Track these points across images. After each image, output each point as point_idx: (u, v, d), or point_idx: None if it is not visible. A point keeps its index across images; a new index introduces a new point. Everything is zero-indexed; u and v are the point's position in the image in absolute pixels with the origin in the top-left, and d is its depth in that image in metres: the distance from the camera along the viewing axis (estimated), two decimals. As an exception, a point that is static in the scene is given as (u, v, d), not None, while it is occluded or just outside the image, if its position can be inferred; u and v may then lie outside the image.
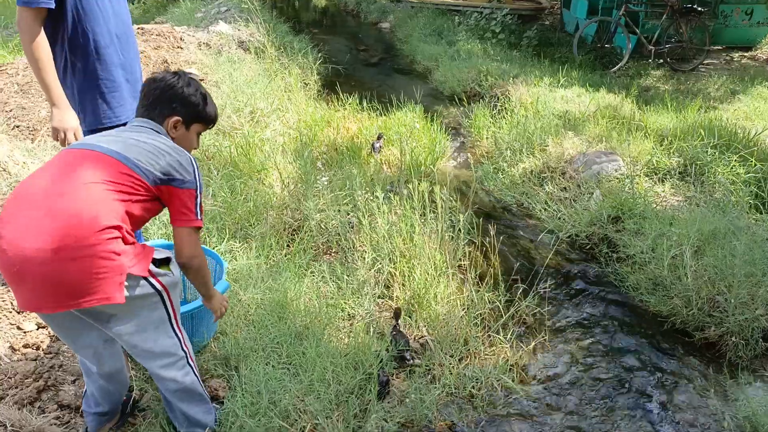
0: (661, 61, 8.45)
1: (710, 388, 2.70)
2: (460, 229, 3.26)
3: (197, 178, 1.88)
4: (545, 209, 4.22)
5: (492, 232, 3.36)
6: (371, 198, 3.21)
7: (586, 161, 4.51)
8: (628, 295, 3.32)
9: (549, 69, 7.43)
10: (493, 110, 6.05)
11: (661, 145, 4.77)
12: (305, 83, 6.94)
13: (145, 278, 1.77)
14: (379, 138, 5.11)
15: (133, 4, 13.09)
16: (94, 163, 1.72)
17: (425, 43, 9.24)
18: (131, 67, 2.62)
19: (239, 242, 3.37)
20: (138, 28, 7.26)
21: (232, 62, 6.74)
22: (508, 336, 2.92)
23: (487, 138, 5.54)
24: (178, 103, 1.95)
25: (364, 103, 5.98)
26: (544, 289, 3.24)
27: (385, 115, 5.80)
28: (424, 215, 3.33)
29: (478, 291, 3.13)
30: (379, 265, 3.13)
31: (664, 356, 2.90)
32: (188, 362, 2.01)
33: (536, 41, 9.12)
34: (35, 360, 2.49)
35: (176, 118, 1.96)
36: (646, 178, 4.29)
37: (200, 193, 1.89)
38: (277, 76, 6.59)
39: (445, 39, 9.35)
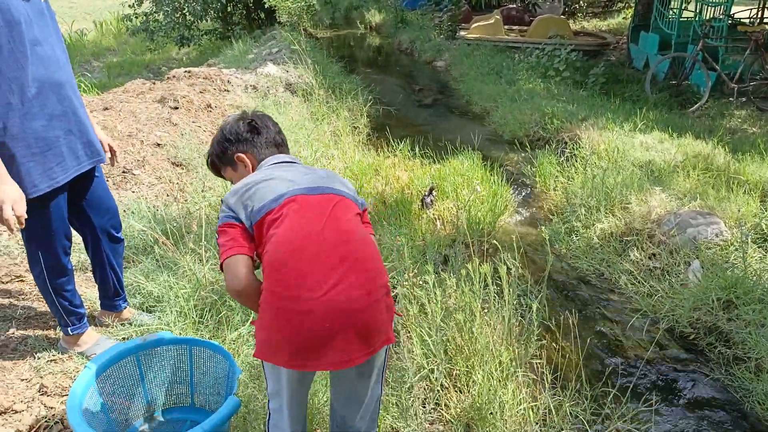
0: (745, 99, 7.62)
1: None
2: (532, 318, 2.62)
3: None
4: (633, 284, 3.52)
5: (572, 319, 2.70)
6: (418, 283, 2.62)
7: (678, 223, 3.80)
8: (753, 413, 2.57)
9: (621, 110, 6.74)
10: (560, 157, 5.41)
11: (764, 204, 4.02)
12: (354, 127, 6.51)
13: None
14: (430, 192, 4.57)
15: (189, 46, 13.25)
16: (343, 205, 1.73)
17: (482, 83, 8.71)
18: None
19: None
20: (185, 71, 7.07)
21: (278, 106, 6.40)
22: (599, 467, 2.25)
23: (555, 190, 4.90)
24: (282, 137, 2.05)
25: (417, 149, 5.47)
26: (644, 402, 2.53)
27: (439, 162, 5.26)
28: (487, 298, 2.72)
29: (556, 397, 2.47)
30: (432, 366, 2.52)
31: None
32: None
33: (603, 79, 8.43)
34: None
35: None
36: (756, 247, 3.54)
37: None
38: (324, 120, 6.19)
39: (504, 78, 8.79)
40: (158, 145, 4.88)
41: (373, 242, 1.75)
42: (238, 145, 1.92)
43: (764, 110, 7.32)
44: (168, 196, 4.27)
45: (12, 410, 2.30)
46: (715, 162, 4.72)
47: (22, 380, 2.46)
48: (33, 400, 2.37)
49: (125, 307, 2.82)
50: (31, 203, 2.13)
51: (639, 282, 3.50)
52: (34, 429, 2.23)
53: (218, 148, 1.96)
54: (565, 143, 5.76)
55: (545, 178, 5.11)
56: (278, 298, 1.55)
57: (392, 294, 2.81)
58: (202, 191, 4.30)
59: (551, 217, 4.55)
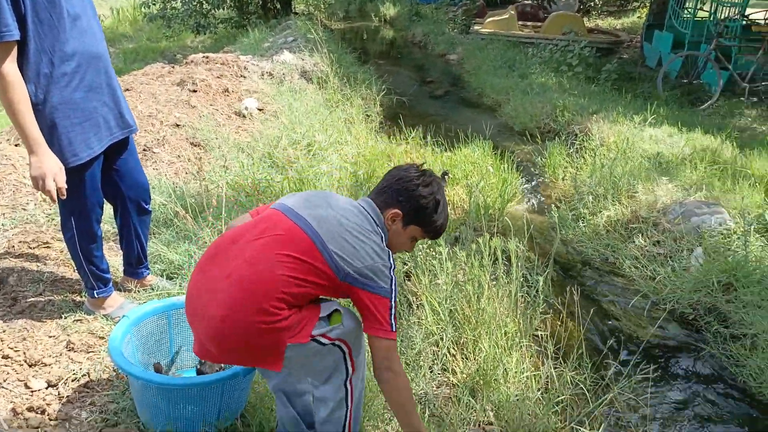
0: (756, 99, 7.66)
1: None
2: (537, 291, 2.73)
3: (393, 286, 1.72)
4: (636, 267, 3.62)
5: (575, 296, 2.81)
6: (433, 253, 2.74)
7: (683, 212, 3.89)
8: (746, 386, 2.68)
9: (632, 105, 6.81)
10: (570, 148, 5.50)
11: (769, 196, 4.10)
12: (367, 115, 6.62)
13: None
14: (443, 176, 4.66)
15: (205, 34, 13.39)
16: (288, 237, 1.66)
17: (495, 76, 8.78)
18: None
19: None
20: (203, 56, 7.20)
21: (293, 92, 6.52)
22: (599, 431, 2.35)
23: (563, 179, 4.99)
24: (404, 198, 1.82)
25: (428, 137, 5.57)
26: (643, 372, 2.63)
27: (450, 150, 5.35)
28: (495, 274, 2.83)
29: (558, 368, 2.58)
30: (440, 333, 2.64)
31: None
32: None
33: (616, 75, 8.49)
34: (37, 428, 2.15)
35: (395, 210, 1.82)
36: (758, 236, 3.63)
37: (395, 302, 1.72)
38: (338, 108, 6.30)
39: (517, 72, 8.86)
40: (177, 125, 5.01)
41: (261, 264, 1.63)
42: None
43: (774, 110, 7.37)
44: (187, 173, 4.40)
45: (42, 363, 2.44)
46: (722, 156, 4.80)
47: (50, 337, 2.60)
48: (61, 355, 2.51)
49: (147, 275, 2.95)
50: (69, 173, 2.25)
51: (642, 266, 3.60)
52: (63, 380, 2.36)
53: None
54: (575, 135, 5.85)
55: (554, 168, 5.20)
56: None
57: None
58: (223, 168, 4.43)
59: (559, 204, 4.65)
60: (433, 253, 2.76)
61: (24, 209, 3.38)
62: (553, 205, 4.69)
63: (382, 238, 1.78)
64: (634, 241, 3.86)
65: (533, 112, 6.79)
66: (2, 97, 2.03)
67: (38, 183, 2.13)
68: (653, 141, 5.19)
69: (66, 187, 2.22)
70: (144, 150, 4.48)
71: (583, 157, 5.10)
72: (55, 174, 2.14)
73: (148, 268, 2.95)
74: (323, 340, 1.68)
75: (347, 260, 1.65)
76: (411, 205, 1.82)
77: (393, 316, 1.71)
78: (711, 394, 2.66)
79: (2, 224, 3.20)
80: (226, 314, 1.60)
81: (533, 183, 5.24)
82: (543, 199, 4.92)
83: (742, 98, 7.67)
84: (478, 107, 7.99)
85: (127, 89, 5.45)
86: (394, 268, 1.74)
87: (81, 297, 2.85)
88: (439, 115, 7.47)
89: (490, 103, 8.01)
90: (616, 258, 3.81)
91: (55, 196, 2.18)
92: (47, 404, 2.25)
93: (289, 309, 1.61)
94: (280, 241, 1.65)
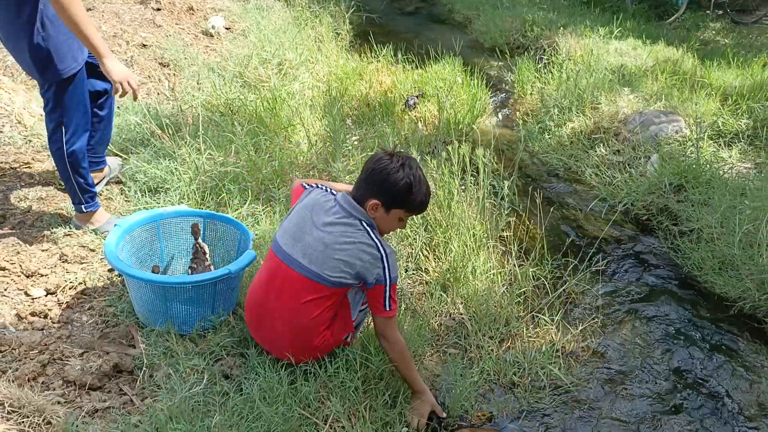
0: (721, 12, 7.75)
1: (784, 383, 2.38)
2: (503, 197, 2.93)
3: (387, 273, 1.96)
4: (596, 174, 3.84)
5: (538, 201, 3.03)
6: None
7: (643, 121, 4.09)
8: (690, 275, 2.98)
9: (600, 19, 6.86)
10: (538, 64, 5.59)
11: (726, 105, 4.30)
12: (337, 33, 6.55)
13: None
14: (418, 95, 4.75)
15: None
16: (295, 286, 1.99)
17: (465, -9, 8.66)
18: None
19: (262, 205, 3.12)
20: (165, -27, 6.92)
21: (261, 10, 6.38)
22: (555, 317, 2.63)
23: (532, 94, 5.12)
24: (378, 188, 1.96)
25: (399, 55, 5.59)
26: (595, 264, 2.90)
27: (421, 68, 5.40)
28: (464, 181, 3.01)
29: (522, 266, 2.83)
30: (414, 236, 2.85)
31: (730, 345, 2.58)
32: None
33: (586, -12, 8.45)
34: (42, 330, 2.31)
35: (374, 201, 1.96)
36: (711, 142, 3.86)
37: (390, 286, 1.98)
38: (307, 26, 6.21)
39: (487, -14, 8.74)
40: (144, 45, 4.93)
41: (297, 318, 2.02)
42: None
43: (738, 22, 7.48)
44: (159, 94, 4.40)
45: (38, 273, 2.58)
46: (683, 67, 4.96)
47: (43, 251, 2.72)
48: (56, 266, 2.65)
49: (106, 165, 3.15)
50: (67, 81, 2.43)
51: (602, 174, 3.83)
52: (61, 288, 2.51)
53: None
54: (544, 50, 5.93)
55: (523, 83, 5.31)
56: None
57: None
58: (195, 88, 4.44)
59: (527, 119, 4.80)
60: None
61: (0, 131, 3.40)
62: (521, 119, 4.85)
63: (369, 229, 1.97)
64: (595, 151, 4.07)
65: (503, 27, 6.80)
66: (65, 13, 2.17)
67: (125, 84, 2.38)
68: (618, 54, 5.31)
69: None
70: (113, 71, 4.43)
71: (551, 72, 5.21)
72: (131, 76, 2.41)
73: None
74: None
75: (343, 274, 1.94)
76: (386, 192, 1.95)
77: (388, 297, 1.98)
78: (658, 284, 2.95)
79: (-20, 146, 3.23)
80: (292, 351, 2.07)
81: (502, 98, 5.35)
82: (511, 113, 5.06)
83: (707, 11, 7.75)
84: (448, 23, 7.94)
85: (89, 9, 5.28)
86: (387, 252, 1.96)
87: (68, 213, 2.95)
88: (410, 32, 7.42)
89: (461, 19, 7.96)
90: (578, 167, 4.02)
91: (138, 94, 2.48)
92: (48, 309, 2.41)
93: (329, 326, 2.06)
94: (293, 293, 1.99)
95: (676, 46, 5.67)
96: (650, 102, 4.38)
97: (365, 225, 1.98)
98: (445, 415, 2.19)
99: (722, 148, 3.83)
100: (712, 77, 4.75)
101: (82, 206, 2.77)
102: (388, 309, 1.99)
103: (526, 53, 6.11)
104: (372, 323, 2.15)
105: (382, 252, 1.96)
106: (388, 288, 1.98)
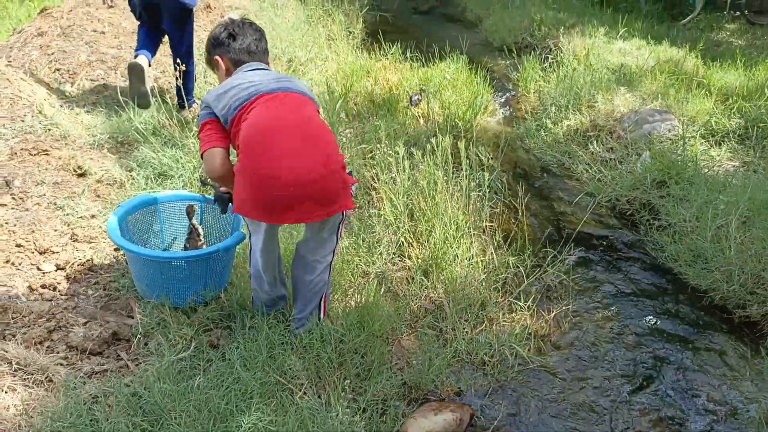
0: (738, 13, 7.71)
1: (747, 370, 2.48)
2: (487, 188, 3.08)
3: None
4: (587, 170, 3.95)
5: (526, 195, 3.17)
6: (390, 153, 3.06)
7: (637, 120, 4.18)
8: (665, 267, 3.08)
9: (610, 19, 6.91)
10: (543, 63, 5.69)
11: (724, 105, 4.37)
12: (349, 31, 6.73)
13: None
14: (421, 92, 4.91)
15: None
16: (303, 99, 2.14)
17: (479, -10, 8.77)
18: None
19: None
20: (184, -28, 7.17)
21: (275, 8, 6.60)
22: (529, 303, 2.76)
23: (534, 92, 5.23)
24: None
25: (408, 53, 5.74)
26: (573, 254, 3.03)
27: (427, 66, 5.55)
28: (448, 172, 3.16)
29: (503, 256, 2.97)
30: (397, 224, 3.01)
31: (699, 333, 2.69)
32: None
33: (600, -12, 8.48)
34: (50, 300, 2.54)
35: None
36: (702, 141, 3.94)
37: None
38: (320, 23, 6.41)
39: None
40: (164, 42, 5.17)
41: (329, 130, 2.16)
42: (217, 48, 2.25)
43: (754, 23, 7.45)
44: (172, 87, 4.63)
45: (50, 251, 2.81)
46: (684, 67, 5.02)
47: (56, 231, 2.96)
48: (66, 244, 2.88)
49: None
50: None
51: (593, 170, 3.94)
52: (70, 264, 2.73)
53: (206, 49, 2.33)
54: (550, 50, 6.02)
55: (527, 81, 5.42)
56: (249, 170, 2.00)
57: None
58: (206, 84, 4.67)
59: (527, 117, 4.92)
60: (391, 152, 3.08)
61: (22, 120, 3.65)
62: (521, 117, 4.97)
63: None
64: (589, 148, 4.17)
65: (512, 26, 6.90)
66: None
67: None
68: (621, 54, 5.39)
69: None
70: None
71: (555, 71, 5.31)
72: None
73: None
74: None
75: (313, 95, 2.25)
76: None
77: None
78: (633, 274, 3.06)
79: (3, 134, 3.49)
80: (325, 172, 2.03)
81: (505, 96, 5.47)
82: (513, 111, 5.18)
83: (724, 12, 7.72)
84: (460, 22, 8.06)
85: (110, 6, 5.54)
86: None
87: (80, 198, 3.19)
88: (422, 32, 7.56)
89: (472, 18, 8.07)
90: (571, 163, 4.13)
91: None
92: (57, 283, 2.64)
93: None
94: (300, 102, 2.13)
95: (680, 46, 5.71)
96: (647, 101, 4.46)
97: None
98: None
99: (713, 147, 3.91)
100: (713, 78, 4.81)
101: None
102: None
103: (532, 52, 6.21)
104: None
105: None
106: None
